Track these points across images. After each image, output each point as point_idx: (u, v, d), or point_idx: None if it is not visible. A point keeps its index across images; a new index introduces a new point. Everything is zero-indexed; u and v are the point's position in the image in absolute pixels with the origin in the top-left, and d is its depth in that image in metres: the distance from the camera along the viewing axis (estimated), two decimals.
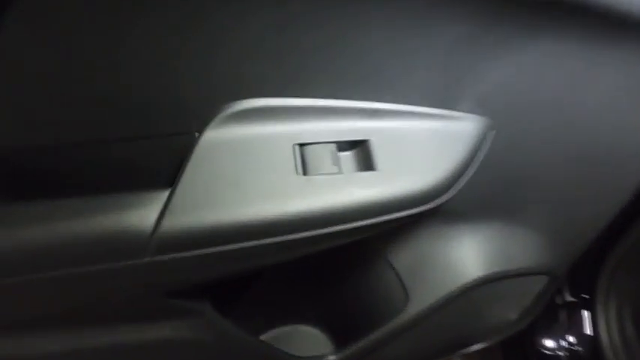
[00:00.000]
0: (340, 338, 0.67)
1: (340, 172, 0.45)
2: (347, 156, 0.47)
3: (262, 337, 0.67)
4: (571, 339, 0.81)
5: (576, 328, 0.80)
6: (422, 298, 0.57)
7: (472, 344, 0.70)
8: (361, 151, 0.47)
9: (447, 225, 0.56)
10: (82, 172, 0.43)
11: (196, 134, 0.42)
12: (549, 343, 0.83)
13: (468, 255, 0.58)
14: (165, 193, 0.40)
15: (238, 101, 0.43)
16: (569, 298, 0.83)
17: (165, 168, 0.42)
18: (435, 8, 0.40)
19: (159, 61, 0.39)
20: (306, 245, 0.44)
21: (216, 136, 0.42)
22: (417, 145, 0.47)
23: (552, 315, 0.83)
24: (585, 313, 0.79)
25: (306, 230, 0.42)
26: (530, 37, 0.43)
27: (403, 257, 0.57)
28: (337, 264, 0.65)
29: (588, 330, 0.79)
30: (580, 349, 0.79)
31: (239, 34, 0.39)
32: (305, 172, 0.44)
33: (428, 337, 0.63)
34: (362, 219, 0.44)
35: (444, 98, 0.48)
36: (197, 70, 0.40)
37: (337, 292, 0.68)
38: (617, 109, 0.49)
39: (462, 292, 0.57)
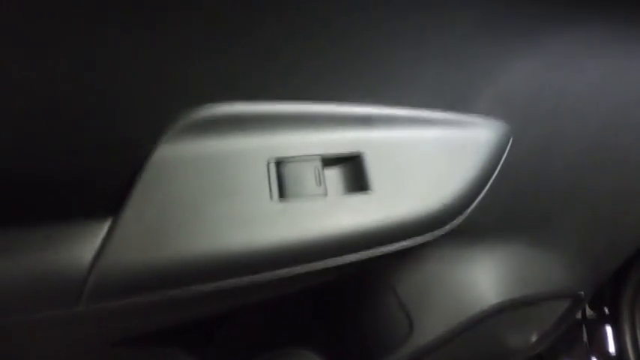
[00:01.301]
0: None
1: (326, 194, 0.40)
2: (334, 174, 0.42)
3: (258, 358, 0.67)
4: (593, 359, 0.81)
5: (598, 346, 0.79)
6: (428, 329, 0.54)
7: None
8: (352, 168, 0.42)
9: (459, 247, 0.52)
10: None
11: (147, 148, 0.38)
12: None
13: (482, 280, 0.54)
14: (106, 224, 0.36)
15: (199, 107, 0.38)
16: (590, 313, 0.83)
17: (107, 192, 0.37)
18: None
19: (96, 55, 0.34)
20: (284, 285, 0.41)
21: (172, 150, 0.38)
22: (421, 158, 0.43)
23: (571, 332, 0.82)
24: (608, 330, 0.79)
25: (283, 267, 0.38)
26: (563, 23, 0.41)
27: (408, 283, 0.54)
28: (334, 288, 0.63)
29: (612, 348, 0.78)
30: None
31: (199, 21, 0.35)
32: (282, 196, 0.39)
33: None
34: (352, 252, 0.39)
35: (453, 99, 0.44)
36: (147, 67, 0.36)
37: (336, 319, 0.66)
38: None
39: (475, 321, 0.53)
